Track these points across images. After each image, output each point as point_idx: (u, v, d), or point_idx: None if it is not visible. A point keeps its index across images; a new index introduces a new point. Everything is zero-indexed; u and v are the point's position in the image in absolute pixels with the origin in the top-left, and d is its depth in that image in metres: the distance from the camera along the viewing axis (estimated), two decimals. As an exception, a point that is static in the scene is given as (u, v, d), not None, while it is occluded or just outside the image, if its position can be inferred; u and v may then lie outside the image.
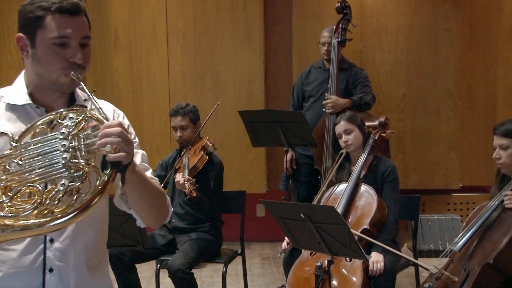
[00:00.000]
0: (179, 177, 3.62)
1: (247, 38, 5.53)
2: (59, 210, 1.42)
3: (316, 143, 4.25)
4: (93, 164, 1.46)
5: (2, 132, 1.52)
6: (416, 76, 5.49)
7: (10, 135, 1.50)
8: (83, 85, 1.57)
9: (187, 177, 3.60)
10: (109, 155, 1.42)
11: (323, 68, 4.74)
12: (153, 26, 5.55)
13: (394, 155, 5.23)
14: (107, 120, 1.49)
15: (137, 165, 1.59)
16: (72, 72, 1.56)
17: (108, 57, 5.59)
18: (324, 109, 4.52)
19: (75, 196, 1.43)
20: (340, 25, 4.61)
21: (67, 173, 1.44)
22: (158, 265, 3.75)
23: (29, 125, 1.54)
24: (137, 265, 3.76)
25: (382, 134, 3.66)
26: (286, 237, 3.40)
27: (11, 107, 1.64)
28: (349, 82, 4.69)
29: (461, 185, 5.55)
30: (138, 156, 1.76)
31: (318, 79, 4.74)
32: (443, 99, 5.48)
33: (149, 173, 1.75)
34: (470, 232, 2.79)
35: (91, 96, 1.53)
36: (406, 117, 5.52)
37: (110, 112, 1.78)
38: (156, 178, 1.79)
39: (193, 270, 3.61)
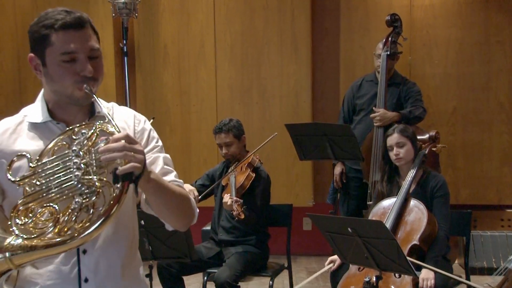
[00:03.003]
0: (226, 198, 3.62)
1: (294, 51, 5.54)
2: (79, 226, 1.44)
3: (364, 157, 4.19)
4: (105, 179, 1.47)
5: (21, 154, 1.54)
6: (467, 89, 5.38)
7: (29, 156, 1.53)
8: (95, 97, 1.59)
9: (235, 198, 3.60)
10: (119, 167, 1.42)
11: (375, 82, 4.68)
12: (201, 40, 5.63)
13: (444, 169, 5.11)
14: (119, 131, 1.50)
15: (153, 173, 1.59)
16: (85, 86, 1.58)
17: (157, 71, 5.69)
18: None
19: (91, 211, 1.45)
20: (390, 38, 4.57)
21: (83, 189, 1.46)
22: (205, 278, 3.77)
23: (46, 145, 1.56)
24: (184, 277, 3.79)
25: (433, 149, 3.59)
26: (329, 258, 3.41)
27: (34, 126, 1.67)
28: (401, 96, 4.63)
29: (515, 201, 5.37)
30: (160, 160, 1.75)
31: (370, 93, 4.69)
32: (495, 112, 5.34)
33: (172, 176, 1.75)
34: (525, 249, 2.69)
35: (102, 108, 1.56)
36: (457, 130, 5.40)
37: (131, 118, 1.78)
38: (180, 181, 1.77)
39: (240, 283, 3.62)
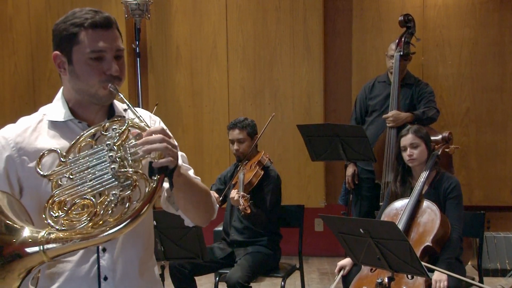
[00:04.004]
0: (233, 193, 3.65)
1: (306, 52, 5.54)
2: (113, 219, 1.45)
3: (376, 158, 4.18)
4: (141, 171, 1.48)
5: (52, 149, 1.55)
6: (480, 90, 5.34)
7: (59, 151, 1.54)
8: (122, 95, 1.61)
9: (241, 193, 3.62)
10: (155, 161, 1.45)
11: (388, 82, 4.67)
12: (213, 41, 5.64)
13: (457, 170, 5.09)
14: (149, 127, 1.52)
15: (181, 168, 1.61)
16: (110, 84, 1.60)
17: (170, 72, 5.71)
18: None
19: (127, 204, 1.46)
20: (403, 39, 4.54)
21: (116, 182, 1.47)
22: (217, 278, 3.77)
23: (73, 141, 1.57)
24: (196, 278, 3.80)
25: (446, 150, 3.57)
26: (338, 264, 3.40)
27: (54, 124, 1.67)
28: (414, 97, 4.61)
29: (530, 203, 5.32)
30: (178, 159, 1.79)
31: (382, 94, 4.68)
32: (509, 113, 5.30)
33: (191, 173, 1.78)
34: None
35: (130, 106, 1.57)
36: (470, 131, 5.37)
37: (147, 119, 1.80)
38: (198, 178, 1.80)
39: (251, 284, 3.62)
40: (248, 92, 5.64)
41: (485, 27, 5.30)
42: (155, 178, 1.45)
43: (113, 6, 5.51)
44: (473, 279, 3.42)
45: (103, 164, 1.50)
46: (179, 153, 1.77)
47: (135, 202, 1.46)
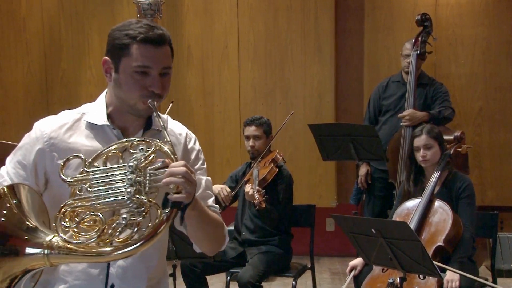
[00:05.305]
0: (248, 188, 3.65)
1: (317, 52, 5.53)
2: (119, 241, 1.45)
3: (391, 157, 4.16)
4: (154, 201, 1.48)
5: (77, 155, 1.57)
6: (493, 89, 5.31)
7: (83, 158, 1.55)
8: (158, 114, 1.62)
9: (257, 188, 3.62)
10: (171, 194, 1.44)
11: (402, 82, 4.64)
12: (225, 41, 5.65)
13: (470, 170, 5.06)
14: (175, 154, 1.51)
15: (198, 201, 1.62)
16: (150, 100, 1.61)
17: (181, 71, 5.72)
18: (401, 123, 4.43)
19: (135, 229, 1.46)
20: (420, 38, 4.52)
21: (129, 207, 1.47)
22: (228, 277, 3.78)
23: (102, 150, 1.58)
24: (207, 277, 3.80)
25: (458, 149, 3.55)
26: (349, 264, 3.39)
27: (91, 126, 1.70)
28: (428, 97, 4.58)
29: (544, 203, 5.28)
30: (203, 183, 1.79)
31: (397, 94, 4.65)
32: (523, 112, 5.26)
33: (210, 201, 1.79)
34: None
35: (163, 128, 1.57)
36: (483, 131, 5.34)
37: (183, 135, 1.82)
38: (217, 206, 1.81)
39: (263, 284, 3.62)
40: (259, 92, 5.64)
41: (498, 26, 5.26)
42: (167, 211, 1.45)
43: (125, 6, 5.53)
44: (486, 280, 3.39)
45: (121, 184, 1.49)
46: (204, 178, 1.79)
47: (143, 229, 1.46)
